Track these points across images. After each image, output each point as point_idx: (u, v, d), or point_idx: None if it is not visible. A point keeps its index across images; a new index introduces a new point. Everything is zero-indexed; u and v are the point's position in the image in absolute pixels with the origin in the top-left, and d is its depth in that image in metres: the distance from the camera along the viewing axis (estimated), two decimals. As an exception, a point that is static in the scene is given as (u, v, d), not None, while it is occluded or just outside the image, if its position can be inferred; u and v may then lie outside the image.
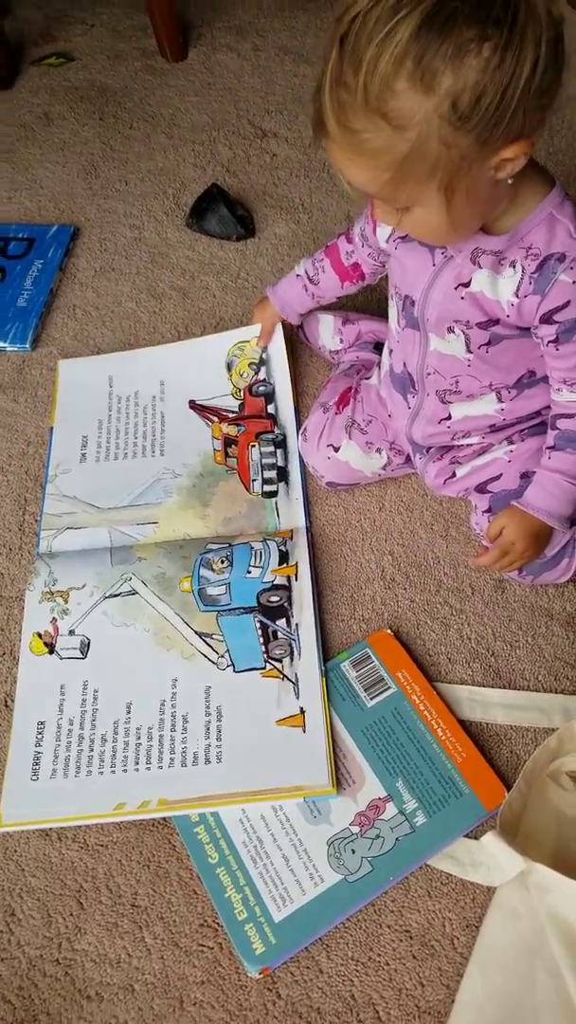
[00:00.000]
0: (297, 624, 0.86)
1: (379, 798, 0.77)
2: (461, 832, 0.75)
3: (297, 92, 1.42)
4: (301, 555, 0.90)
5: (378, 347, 1.00)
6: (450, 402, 0.85)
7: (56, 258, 1.19)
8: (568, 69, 0.59)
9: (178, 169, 1.32)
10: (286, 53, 1.49)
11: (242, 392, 1.03)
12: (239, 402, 1.02)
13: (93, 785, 0.77)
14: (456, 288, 0.75)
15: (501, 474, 0.87)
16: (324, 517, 0.95)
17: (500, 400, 0.84)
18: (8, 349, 1.11)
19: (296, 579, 0.88)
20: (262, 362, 1.03)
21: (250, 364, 1.03)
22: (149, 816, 0.76)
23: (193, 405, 1.03)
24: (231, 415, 1.02)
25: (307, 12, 1.55)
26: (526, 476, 0.84)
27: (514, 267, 0.71)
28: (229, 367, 1.04)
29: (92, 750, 0.79)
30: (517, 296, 0.72)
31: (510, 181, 0.64)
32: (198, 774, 0.77)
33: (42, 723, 0.81)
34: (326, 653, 0.85)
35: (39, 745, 0.80)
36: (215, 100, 1.41)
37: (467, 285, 0.74)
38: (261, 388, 1.03)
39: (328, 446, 0.93)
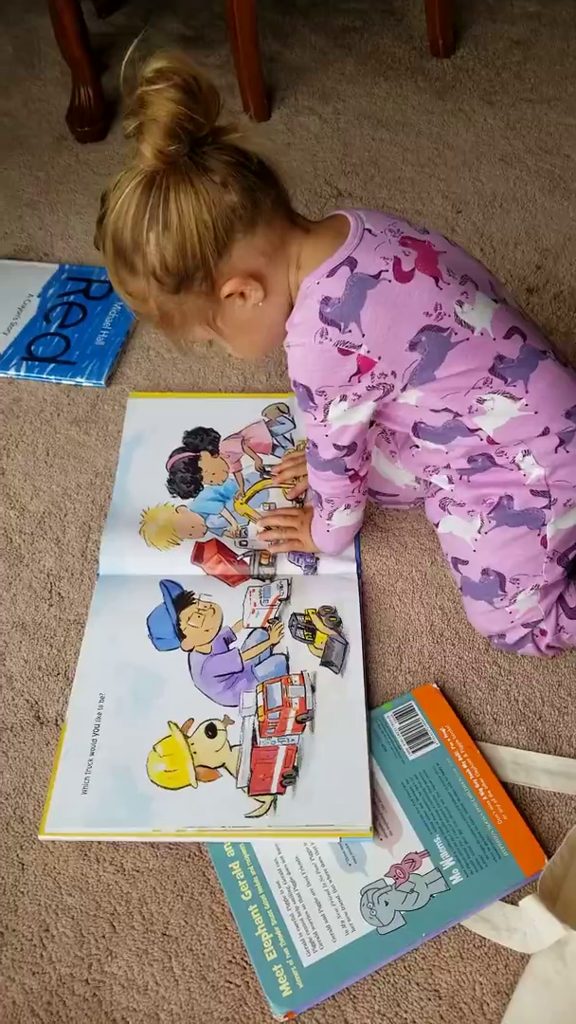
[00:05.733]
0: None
1: (416, 852, 0.77)
2: (497, 895, 0.74)
3: (374, 155, 1.47)
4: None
5: None
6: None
7: (135, 299, 1.24)
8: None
9: (256, 222, 1.37)
10: (365, 117, 1.55)
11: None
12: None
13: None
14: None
15: (468, 561, 0.86)
16: (375, 567, 0.97)
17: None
18: (84, 384, 1.15)
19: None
20: None
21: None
22: (185, 840, 0.78)
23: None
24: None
25: (387, 80, 1.62)
26: (487, 573, 0.84)
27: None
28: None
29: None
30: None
31: (261, 304, 0.74)
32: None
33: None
34: (370, 702, 0.86)
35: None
36: (294, 159, 1.47)
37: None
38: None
39: None
